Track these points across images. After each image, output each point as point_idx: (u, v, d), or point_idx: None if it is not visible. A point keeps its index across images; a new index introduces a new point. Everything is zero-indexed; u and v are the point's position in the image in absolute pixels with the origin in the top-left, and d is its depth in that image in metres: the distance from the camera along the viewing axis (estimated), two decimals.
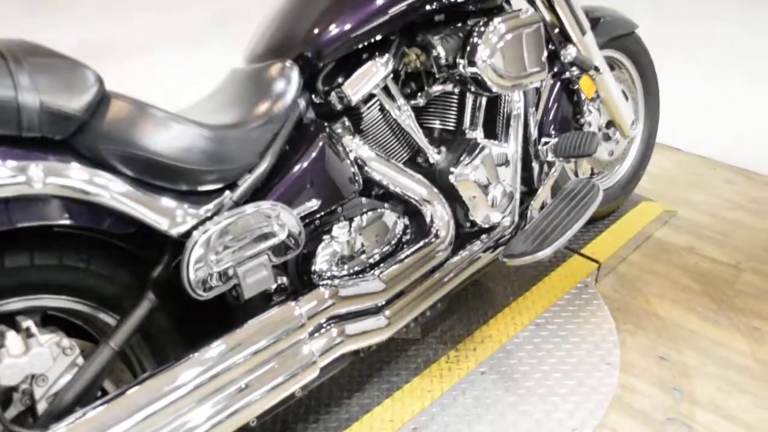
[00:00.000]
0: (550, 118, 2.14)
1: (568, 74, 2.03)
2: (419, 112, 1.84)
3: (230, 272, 1.37)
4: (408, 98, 1.76)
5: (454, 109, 1.87)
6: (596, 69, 2.10)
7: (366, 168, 1.65)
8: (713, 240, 2.67)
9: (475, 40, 1.67)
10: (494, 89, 1.70)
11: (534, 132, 2.03)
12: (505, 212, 1.88)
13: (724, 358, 2.08)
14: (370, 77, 1.61)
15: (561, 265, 2.39)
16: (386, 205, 1.70)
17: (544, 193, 2.04)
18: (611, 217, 2.69)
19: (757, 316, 2.26)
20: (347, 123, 1.66)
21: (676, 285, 2.41)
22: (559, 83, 2.16)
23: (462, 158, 1.79)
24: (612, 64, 2.53)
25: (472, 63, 1.66)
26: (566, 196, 2.03)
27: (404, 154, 1.78)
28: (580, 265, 2.39)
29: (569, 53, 1.98)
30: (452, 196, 1.78)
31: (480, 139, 1.84)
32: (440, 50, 1.67)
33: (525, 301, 2.21)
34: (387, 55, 1.63)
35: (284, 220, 1.43)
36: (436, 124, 1.87)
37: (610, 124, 2.47)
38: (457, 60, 1.68)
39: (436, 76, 1.73)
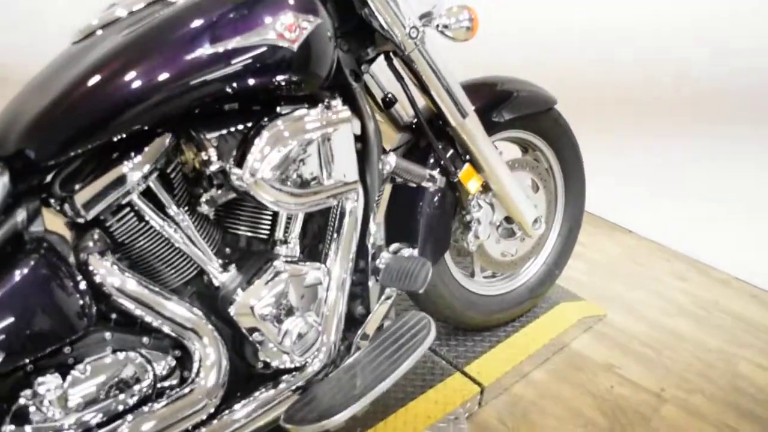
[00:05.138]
0: (406, 221, 1.75)
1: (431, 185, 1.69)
2: (225, 218, 1.48)
3: None
4: (189, 205, 1.40)
5: (268, 216, 1.50)
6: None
7: (115, 297, 1.29)
8: (640, 356, 2.25)
9: (247, 144, 1.30)
10: (273, 208, 1.33)
11: (378, 241, 1.65)
12: (310, 351, 1.49)
13: None
14: (111, 187, 1.25)
15: (435, 387, 1.99)
16: (128, 343, 1.34)
17: (373, 323, 1.64)
18: (521, 319, 2.28)
19: None
20: (96, 236, 1.30)
21: (579, 417, 2.00)
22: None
23: (251, 282, 1.41)
24: (525, 146, 2.15)
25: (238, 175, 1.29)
26: (395, 331, 1.62)
27: (176, 276, 1.41)
28: (459, 388, 1.99)
29: (388, 161, 1.60)
30: (235, 330, 1.42)
31: (285, 256, 1.46)
32: (212, 153, 1.30)
33: None
34: (140, 157, 1.27)
35: None
36: (244, 232, 1.50)
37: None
38: (227, 168, 1.31)
39: (213, 182, 1.37)
